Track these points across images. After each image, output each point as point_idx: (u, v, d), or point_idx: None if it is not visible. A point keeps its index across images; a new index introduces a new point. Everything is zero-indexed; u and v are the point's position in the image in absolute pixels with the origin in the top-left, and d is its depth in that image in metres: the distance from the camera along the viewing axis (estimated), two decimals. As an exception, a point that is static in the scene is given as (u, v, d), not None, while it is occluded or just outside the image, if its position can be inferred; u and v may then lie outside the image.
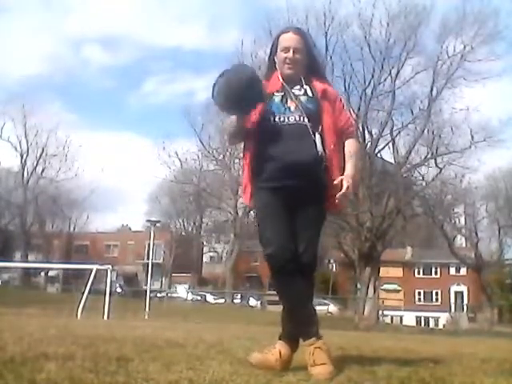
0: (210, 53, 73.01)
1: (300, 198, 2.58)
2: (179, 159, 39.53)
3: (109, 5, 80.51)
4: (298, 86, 2.71)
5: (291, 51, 2.68)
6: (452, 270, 49.01)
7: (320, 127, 2.63)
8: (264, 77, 2.81)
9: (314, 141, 2.58)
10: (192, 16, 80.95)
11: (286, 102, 2.66)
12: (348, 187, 2.58)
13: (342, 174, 2.64)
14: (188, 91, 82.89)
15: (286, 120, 2.62)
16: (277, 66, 2.76)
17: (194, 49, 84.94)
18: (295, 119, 2.61)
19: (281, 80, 2.72)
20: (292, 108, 2.64)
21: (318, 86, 2.73)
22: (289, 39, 2.70)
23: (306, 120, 2.60)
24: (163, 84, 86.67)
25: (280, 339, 2.67)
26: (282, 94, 2.68)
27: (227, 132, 2.89)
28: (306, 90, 2.70)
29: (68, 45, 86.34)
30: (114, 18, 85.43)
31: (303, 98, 2.68)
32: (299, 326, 2.58)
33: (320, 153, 2.58)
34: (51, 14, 78.66)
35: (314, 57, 2.85)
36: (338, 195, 2.58)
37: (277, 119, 2.63)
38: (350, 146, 2.78)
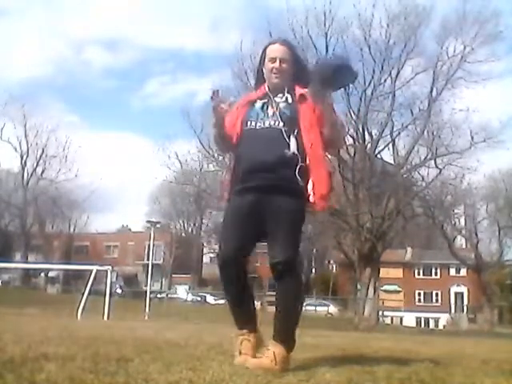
0: (211, 54, 73.08)
1: (269, 198, 2.65)
2: (179, 160, 39.50)
3: (111, 6, 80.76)
4: (281, 94, 2.83)
5: (278, 61, 2.81)
6: (452, 271, 49.00)
7: (296, 130, 2.71)
8: (254, 85, 3.00)
9: (288, 143, 2.67)
10: (194, 18, 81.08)
11: (267, 108, 2.79)
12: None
13: (316, 172, 2.70)
14: (189, 92, 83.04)
15: (262, 125, 2.75)
16: (265, 76, 2.90)
17: (196, 50, 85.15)
18: (269, 124, 2.73)
19: (266, 89, 2.87)
20: (270, 114, 2.77)
21: (298, 91, 2.83)
22: (276, 50, 2.84)
23: (280, 124, 2.71)
24: (165, 85, 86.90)
25: (240, 329, 2.78)
26: (265, 101, 2.82)
27: (214, 139, 2.99)
28: (286, 98, 2.83)
29: (70, 46, 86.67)
30: (116, 20, 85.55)
31: (282, 105, 2.80)
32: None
33: (292, 154, 2.65)
34: (54, 15, 78.91)
35: (301, 66, 2.94)
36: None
37: (253, 124, 2.77)
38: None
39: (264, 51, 2.90)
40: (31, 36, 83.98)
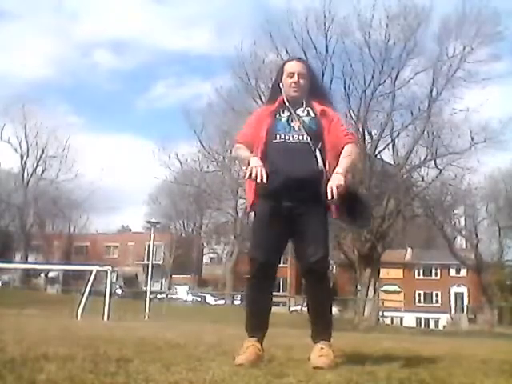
0: (217, 57, 73.08)
1: (302, 209, 2.80)
2: (179, 160, 39.58)
3: (118, 9, 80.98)
4: (302, 108, 2.97)
5: (296, 76, 2.98)
6: (452, 271, 48.98)
7: (320, 144, 2.86)
8: (268, 100, 3.17)
9: (316, 157, 2.81)
10: (200, 20, 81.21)
11: (292, 122, 2.91)
12: (335, 186, 2.73)
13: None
14: (194, 95, 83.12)
15: (291, 138, 2.87)
16: (282, 91, 3.03)
17: (202, 53, 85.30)
18: (298, 138, 2.86)
19: (286, 103, 2.99)
20: (296, 128, 2.89)
21: (317, 107, 2.99)
22: (294, 66, 3.03)
23: (307, 138, 2.84)
24: (169, 88, 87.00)
25: (251, 337, 2.86)
26: (288, 114, 2.94)
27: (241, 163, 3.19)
28: (308, 111, 2.97)
29: (77, 49, 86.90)
30: (124, 23, 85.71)
31: (306, 119, 2.94)
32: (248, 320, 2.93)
33: (320, 168, 2.80)
34: (61, 17, 79.04)
35: (317, 82, 3.16)
36: (329, 194, 2.74)
37: (282, 137, 2.88)
38: (346, 149, 2.96)
39: (282, 68, 3.08)
40: (39, 38, 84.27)
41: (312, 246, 2.77)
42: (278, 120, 2.94)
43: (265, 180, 2.73)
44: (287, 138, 2.87)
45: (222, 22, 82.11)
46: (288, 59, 3.19)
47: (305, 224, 2.79)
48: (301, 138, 2.85)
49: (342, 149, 2.94)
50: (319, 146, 2.85)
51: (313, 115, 2.95)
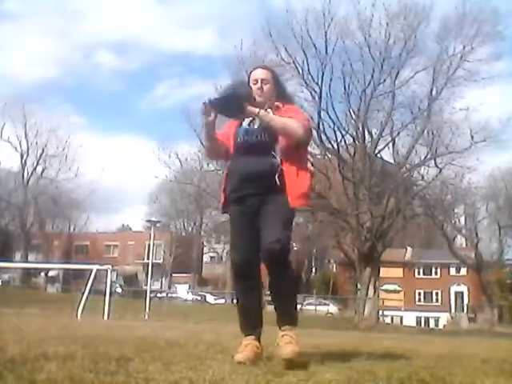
0: (219, 58, 73.05)
1: (261, 202, 2.97)
2: (179, 159, 39.52)
3: (120, 10, 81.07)
4: (263, 110, 3.12)
5: (259, 82, 3.21)
6: (452, 271, 48.95)
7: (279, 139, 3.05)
8: None
9: (273, 153, 3.01)
10: (203, 22, 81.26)
11: (253, 124, 3.15)
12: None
13: (297, 174, 3.02)
14: (195, 95, 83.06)
15: (251, 138, 3.11)
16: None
17: (204, 54, 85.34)
18: (257, 137, 3.10)
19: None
20: (256, 128, 3.13)
21: (275, 104, 3.21)
22: (258, 73, 3.26)
23: (265, 136, 3.07)
24: (171, 88, 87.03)
25: (248, 335, 2.94)
26: (251, 118, 3.15)
27: (205, 147, 3.41)
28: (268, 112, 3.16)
29: (80, 49, 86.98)
30: (125, 23, 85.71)
31: None
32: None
33: (277, 162, 2.99)
34: (64, 18, 79.18)
35: (281, 86, 3.36)
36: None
37: (243, 138, 3.13)
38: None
39: (249, 76, 3.30)
40: (42, 38, 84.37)
41: (268, 230, 2.88)
42: (240, 124, 3.21)
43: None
44: (248, 138, 3.11)
45: (224, 23, 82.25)
46: (254, 67, 3.39)
47: (263, 214, 2.95)
48: (260, 137, 3.08)
49: None
50: (278, 141, 3.05)
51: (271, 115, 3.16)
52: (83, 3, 78.40)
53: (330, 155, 29.86)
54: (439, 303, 48.82)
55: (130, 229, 61.58)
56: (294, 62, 28.57)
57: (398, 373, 2.46)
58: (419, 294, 50.22)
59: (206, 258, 58.64)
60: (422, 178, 30.10)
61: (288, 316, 2.94)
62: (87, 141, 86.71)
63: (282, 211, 2.95)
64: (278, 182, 2.93)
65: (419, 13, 28.67)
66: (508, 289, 43.88)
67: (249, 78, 3.30)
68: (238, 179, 3.06)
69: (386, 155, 31.02)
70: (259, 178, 2.98)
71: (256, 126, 3.13)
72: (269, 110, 3.15)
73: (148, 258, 29.69)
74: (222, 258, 51.99)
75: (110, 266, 16.69)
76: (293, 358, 2.62)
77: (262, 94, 3.19)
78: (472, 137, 28.05)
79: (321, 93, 28.64)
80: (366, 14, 28.38)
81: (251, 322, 3.00)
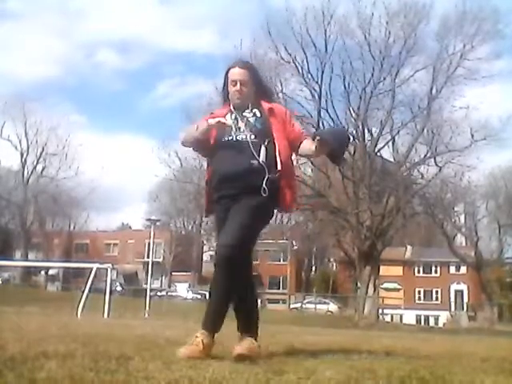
0: (220, 57, 73.04)
1: (237, 200, 2.91)
2: (179, 158, 39.51)
3: (122, 9, 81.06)
4: (248, 110, 3.11)
5: (238, 84, 3.08)
6: (452, 269, 48.98)
7: (267, 141, 2.98)
8: (223, 102, 3.29)
9: (258, 152, 2.93)
10: (203, 21, 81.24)
11: (237, 123, 3.05)
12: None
13: (292, 178, 3.11)
14: (196, 94, 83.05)
15: (235, 138, 3.00)
16: (229, 97, 3.17)
17: (206, 53, 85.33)
18: (241, 137, 3.00)
19: (232, 108, 3.14)
20: (242, 128, 3.03)
21: (265, 105, 3.14)
22: (236, 73, 3.11)
23: (251, 137, 2.98)
24: (173, 87, 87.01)
25: (203, 328, 2.87)
26: (235, 117, 3.08)
27: (190, 135, 3.21)
28: (254, 112, 3.11)
29: (81, 48, 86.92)
30: (127, 22, 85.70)
31: (252, 119, 3.08)
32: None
33: (258, 162, 2.91)
34: (65, 17, 79.16)
35: (262, 84, 3.24)
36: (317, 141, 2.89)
37: (226, 138, 3.02)
38: (306, 141, 3.09)
39: (226, 74, 3.16)
40: (44, 37, 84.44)
41: (224, 234, 2.84)
42: (225, 121, 3.09)
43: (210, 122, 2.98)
44: (231, 138, 3.01)
45: (224, 23, 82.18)
46: (231, 65, 3.19)
47: (230, 214, 2.89)
48: (243, 137, 2.99)
49: (301, 143, 3.10)
50: (265, 143, 2.97)
51: (259, 115, 3.09)
52: (85, 2, 78.79)
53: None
54: (439, 301, 48.87)
55: (130, 227, 61.60)
56: (293, 60, 28.61)
57: (398, 371, 2.46)
58: (419, 292, 50.26)
59: (205, 257, 58.62)
60: (422, 176, 30.12)
61: (248, 327, 2.94)
62: (87, 140, 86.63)
63: (248, 214, 2.86)
64: (265, 192, 2.87)
65: (419, 11, 28.71)
66: (508, 287, 43.92)
67: (226, 74, 3.17)
68: (217, 180, 3.02)
69: (386, 154, 31.06)
70: (234, 177, 2.92)
71: (241, 126, 3.04)
72: (255, 110, 3.10)
73: (148, 257, 29.67)
74: (221, 257, 51.90)
75: (110, 265, 16.66)
76: (244, 353, 2.64)
77: (241, 96, 3.10)
78: (472, 135, 28.08)
79: (320, 91, 28.68)
80: (366, 13, 28.43)
81: (218, 321, 2.91)
